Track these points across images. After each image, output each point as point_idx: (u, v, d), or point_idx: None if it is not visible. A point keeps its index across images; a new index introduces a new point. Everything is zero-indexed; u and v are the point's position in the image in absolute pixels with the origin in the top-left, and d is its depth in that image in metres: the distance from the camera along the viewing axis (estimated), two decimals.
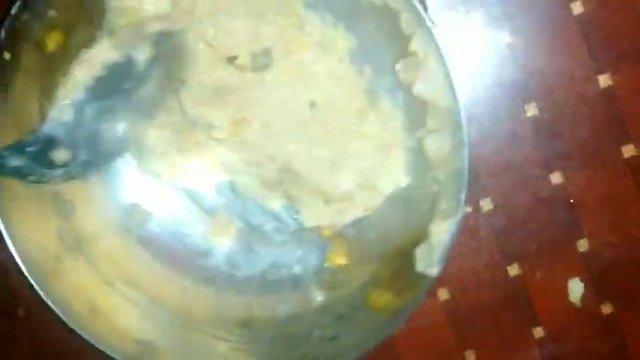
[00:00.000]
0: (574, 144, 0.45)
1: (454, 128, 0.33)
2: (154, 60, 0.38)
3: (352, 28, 0.38)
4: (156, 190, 0.43)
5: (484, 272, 0.48)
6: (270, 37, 0.39)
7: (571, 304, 0.47)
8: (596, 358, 0.48)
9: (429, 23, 0.32)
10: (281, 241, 0.43)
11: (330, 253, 0.42)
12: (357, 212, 0.41)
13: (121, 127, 0.39)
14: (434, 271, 0.35)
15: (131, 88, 0.38)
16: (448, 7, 0.45)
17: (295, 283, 0.42)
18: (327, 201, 0.41)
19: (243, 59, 0.39)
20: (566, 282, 0.47)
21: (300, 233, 0.43)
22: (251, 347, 0.39)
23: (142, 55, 0.38)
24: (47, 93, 0.37)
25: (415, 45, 0.33)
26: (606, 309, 0.47)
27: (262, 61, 0.39)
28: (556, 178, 0.46)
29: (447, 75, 0.32)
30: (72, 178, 0.38)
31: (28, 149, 0.35)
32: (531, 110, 0.45)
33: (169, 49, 0.39)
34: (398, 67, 0.36)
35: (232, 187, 0.43)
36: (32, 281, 0.37)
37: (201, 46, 0.39)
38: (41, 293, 0.37)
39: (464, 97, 0.45)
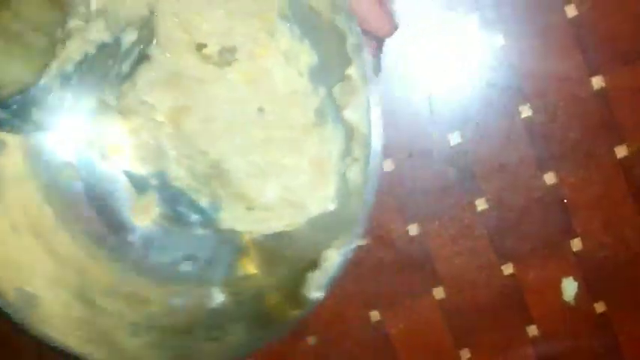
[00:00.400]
0: (568, 145, 0.46)
1: (369, 160, 0.34)
2: (136, 42, 0.39)
3: (316, 47, 0.38)
4: (93, 156, 0.43)
5: (479, 272, 0.48)
6: (241, 35, 0.39)
7: (565, 303, 0.48)
8: (589, 356, 0.49)
9: (366, 52, 0.33)
10: (201, 235, 0.43)
11: (243, 259, 0.43)
12: (278, 225, 0.41)
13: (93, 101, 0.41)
14: (317, 295, 0.36)
15: (112, 66, 0.40)
16: (448, 8, 0.45)
17: (201, 279, 0.43)
18: (250, 207, 0.42)
19: (211, 49, 0.39)
20: (560, 281, 0.48)
21: (221, 232, 0.43)
22: (134, 328, 0.40)
23: (129, 37, 0.39)
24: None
25: (352, 70, 0.34)
26: (599, 308, 0.48)
27: (227, 57, 0.40)
28: (550, 178, 0.46)
29: (368, 104, 0.33)
30: (40, 129, 0.40)
31: (13, 106, 0.38)
32: (525, 111, 0.46)
33: (149, 33, 0.40)
34: (335, 89, 0.36)
35: (163, 175, 0.44)
36: None
37: (176, 32, 0.39)
38: None
39: (461, 97, 0.46)
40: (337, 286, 0.50)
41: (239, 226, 0.42)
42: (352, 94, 0.35)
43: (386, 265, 0.49)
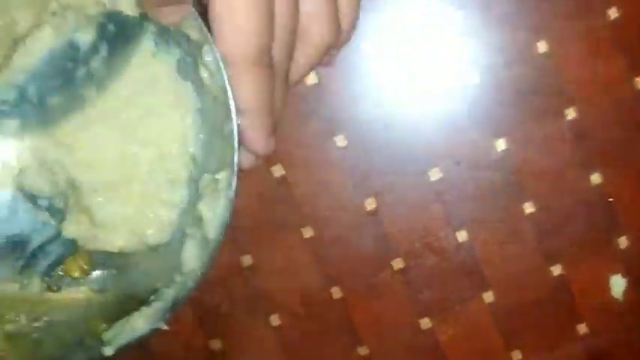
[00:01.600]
0: (611, 145, 0.47)
1: (206, 260, 0.34)
2: (100, 39, 0.37)
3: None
4: None
5: (527, 274, 0.49)
6: None
7: (614, 300, 0.49)
8: (639, 351, 0.50)
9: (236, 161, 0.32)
10: (42, 220, 0.42)
11: (70, 261, 0.42)
12: (111, 247, 0.41)
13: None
14: (107, 350, 0.35)
15: (74, 69, 0.38)
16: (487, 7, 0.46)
17: (24, 266, 0.42)
18: (93, 224, 0.41)
19: None
20: (608, 279, 0.48)
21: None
22: None
23: (85, 37, 0.36)
24: None
25: (221, 175, 0.33)
26: None
27: None
28: (595, 179, 0.47)
29: (223, 215, 0.33)
30: None
31: None
32: (570, 114, 0.46)
33: (116, 31, 0.37)
34: (202, 179, 0.36)
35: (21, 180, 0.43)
36: None
37: None
38: None
39: (504, 103, 0.46)
40: (387, 294, 0.50)
41: (78, 238, 0.41)
42: (213, 199, 0.34)
43: (435, 272, 0.49)
